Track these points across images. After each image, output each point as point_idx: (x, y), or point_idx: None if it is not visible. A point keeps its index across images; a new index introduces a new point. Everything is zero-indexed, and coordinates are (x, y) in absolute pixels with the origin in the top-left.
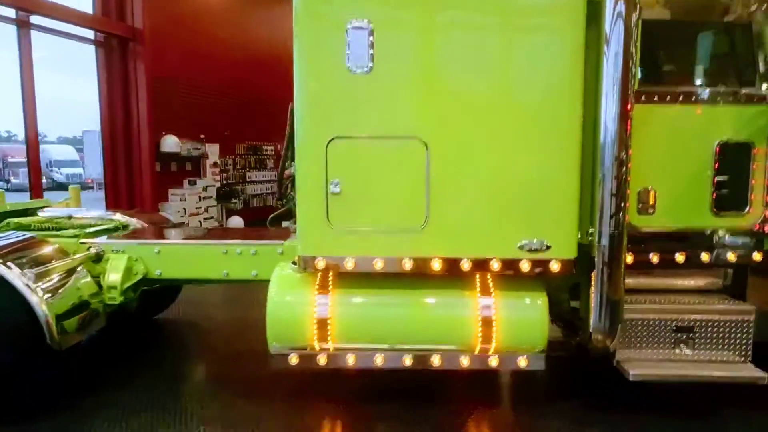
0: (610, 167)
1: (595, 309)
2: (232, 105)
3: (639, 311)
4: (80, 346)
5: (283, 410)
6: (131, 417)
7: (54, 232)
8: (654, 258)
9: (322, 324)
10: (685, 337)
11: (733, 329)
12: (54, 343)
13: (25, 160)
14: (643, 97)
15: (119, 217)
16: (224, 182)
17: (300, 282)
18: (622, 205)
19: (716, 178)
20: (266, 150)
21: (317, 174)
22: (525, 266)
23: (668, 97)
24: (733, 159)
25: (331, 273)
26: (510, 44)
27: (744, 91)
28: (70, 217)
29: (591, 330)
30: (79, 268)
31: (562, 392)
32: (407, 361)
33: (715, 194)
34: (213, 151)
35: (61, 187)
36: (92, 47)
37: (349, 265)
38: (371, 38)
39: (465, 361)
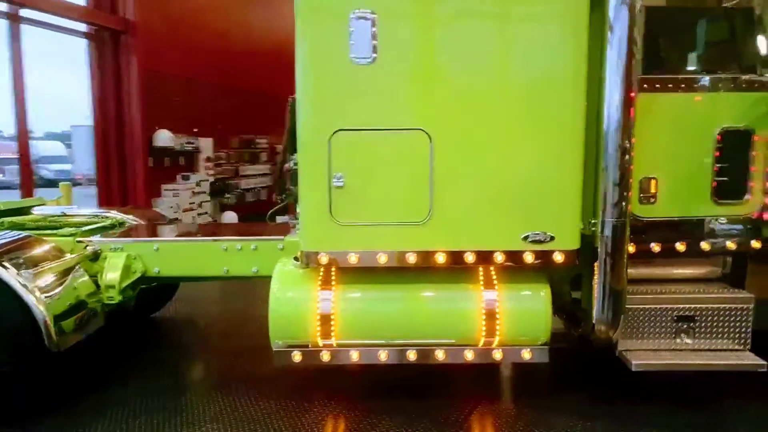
0: (613, 155)
1: (598, 300)
2: (225, 98)
3: (640, 301)
4: (80, 346)
5: (287, 406)
6: (133, 417)
7: (50, 231)
8: (655, 247)
9: (326, 320)
10: (685, 326)
11: (733, 318)
12: (52, 344)
13: (12, 156)
14: (644, 85)
15: (114, 214)
16: (218, 177)
17: (302, 278)
18: (625, 194)
19: (717, 166)
20: (260, 143)
21: (320, 168)
22: (529, 258)
23: (669, 84)
24: (733, 146)
25: (333, 268)
26: (513, 33)
27: (744, 77)
28: (64, 215)
29: (594, 321)
30: (76, 268)
31: (564, 383)
32: (411, 356)
33: (715, 182)
34: (206, 145)
35: (50, 183)
36: (79, 40)
37: (353, 259)
38: (374, 28)
39: (469, 355)
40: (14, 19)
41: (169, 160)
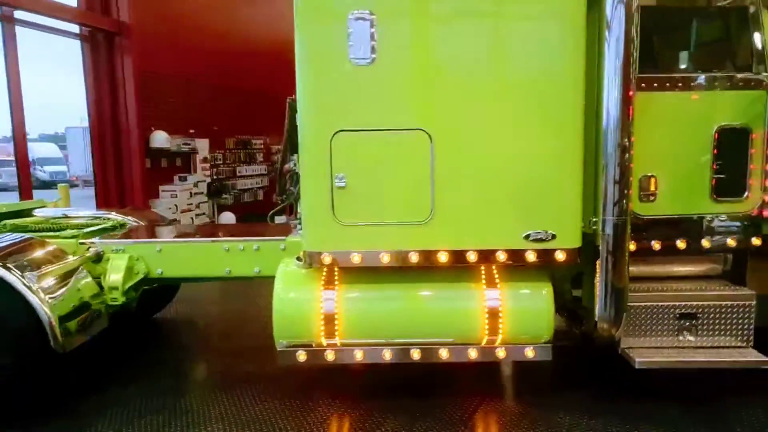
0: (612, 153)
1: (600, 298)
2: (221, 99)
3: (642, 299)
4: (83, 347)
5: (291, 406)
6: (137, 418)
7: (52, 233)
8: (656, 245)
9: (329, 320)
10: (688, 323)
11: (735, 315)
12: (58, 345)
13: (7, 158)
14: (642, 84)
15: (115, 216)
16: (214, 177)
17: (305, 278)
18: (626, 192)
19: (715, 164)
20: (255, 144)
21: (322, 168)
22: (531, 256)
23: (666, 83)
24: (731, 144)
25: (336, 268)
26: (511, 32)
27: (740, 76)
28: (65, 217)
29: (596, 319)
30: (79, 269)
31: (567, 381)
32: (415, 355)
33: (714, 180)
34: (202, 146)
35: (45, 185)
36: (73, 42)
37: (356, 259)
38: (373, 29)
39: (473, 354)
40: (8, 21)
41: (166, 161)
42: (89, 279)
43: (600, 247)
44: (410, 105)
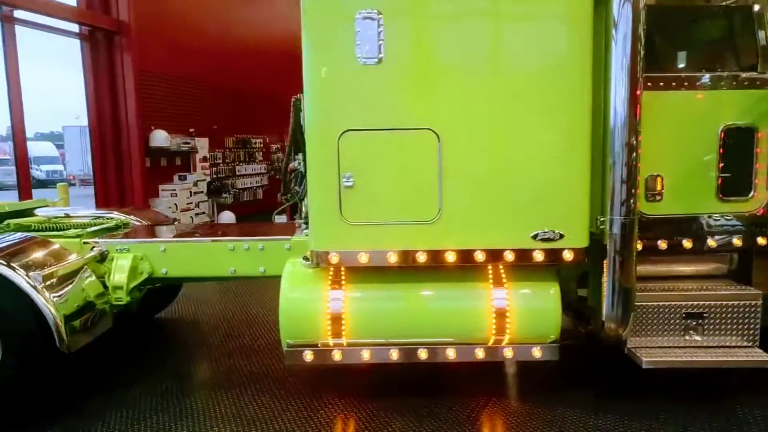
0: (620, 153)
1: (608, 297)
2: (220, 98)
3: (649, 298)
4: (87, 347)
5: (296, 406)
6: (142, 418)
7: (55, 233)
8: (662, 244)
9: (336, 319)
10: (694, 323)
11: (742, 314)
12: (63, 345)
13: (3, 157)
14: (648, 83)
15: (117, 215)
16: (214, 176)
17: (312, 277)
18: (633, 191)
19: (721, 164)
20: (255, 143)
21: (329, 168)
22: (539, 256)
23: (672, 83)
24: (737, 144)
25: (343, 268)
26: (518, 31)
27: (746, 75)
28: (67, 216)
29: (603, 318)
30: (84, 269)
31: (573, 380)
32: (422, 354)
33: (720, 179)
34: (202, 145)
35: (42, 184)
36: (68, 41)
37: (363, 259)
38: (380, 28)
39: (480, 354)
40: (8, 21)
41: (166, 160)
42: (94, 278)
43: (607, 247)
44: (417, 104)
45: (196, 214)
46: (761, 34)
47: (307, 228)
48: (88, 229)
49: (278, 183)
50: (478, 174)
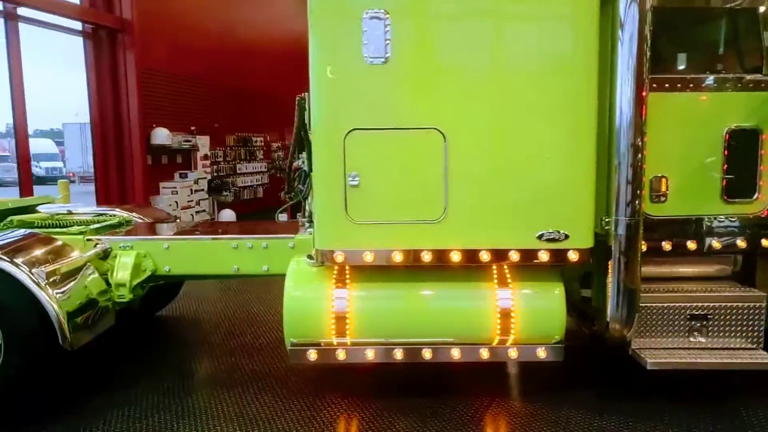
0: (625, 153)
1: (613, 298)
2: (222, 96)
3: (653, 299)
4: (89, 345)
5: (299, 405)
6: (144, 417)
7: (58, 229)
8: (666, 246)
9: (340, 318)
10: (698, 324)
11: (746, 316)
12: (66, 342)
13: (2, 154)
14: (653, 85)
15: (120, 212)
16: (215, 174)
17: (317, 276)
18: (639, 192)
19: (726, 165)
20: (256, 141)
21: (335, 167)
22: (544, 256)
23: (677, 84)
24: (741, 146)
25: (347, 267)
26: (524, 31)
27: (751, 77)
28: (70, 213)
29: (608, 319)
30: (87, 266)
31: (577, 381)
32: (427, 354)
33: (725, 181)
34: (203, 143)
35: (41, 181)
36: (69, 38)
37: (368, 258)
38: (387, 28)
39: (484, 354)
40: (12, 18)
41: (167, 158)
42: (97, 276)
43: (612, 248)
44: (424, 104)
45: (197, 212)
46: (766, 36)
47: (310, 226)
48: (91, 226)
49: (279, 181)
50: (484, 174)
